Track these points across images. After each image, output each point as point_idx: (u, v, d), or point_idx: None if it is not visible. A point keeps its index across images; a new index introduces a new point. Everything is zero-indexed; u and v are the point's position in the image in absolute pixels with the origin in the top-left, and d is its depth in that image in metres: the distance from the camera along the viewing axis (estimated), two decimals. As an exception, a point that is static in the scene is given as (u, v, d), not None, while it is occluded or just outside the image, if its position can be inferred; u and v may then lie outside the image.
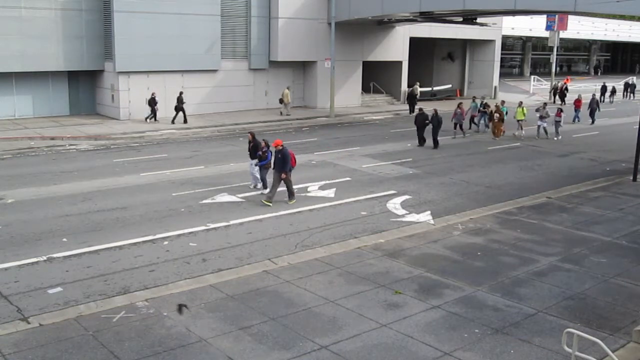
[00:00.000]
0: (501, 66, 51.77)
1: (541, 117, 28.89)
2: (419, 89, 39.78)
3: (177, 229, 14.35)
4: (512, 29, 58.51)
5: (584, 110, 35.35)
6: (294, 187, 17.38)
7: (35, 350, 8.70)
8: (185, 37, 32.01)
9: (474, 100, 31.77)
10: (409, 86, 41.17)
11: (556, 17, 48.71)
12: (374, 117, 36.10)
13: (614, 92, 48.93)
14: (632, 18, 72.86)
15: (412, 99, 37.63)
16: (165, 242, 13.51)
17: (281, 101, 34.29)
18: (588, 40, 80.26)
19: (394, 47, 41.02)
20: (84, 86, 33.07)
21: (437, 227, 14.87)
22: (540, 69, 74.42)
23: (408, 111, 37.03)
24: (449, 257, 12.78)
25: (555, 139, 28.74)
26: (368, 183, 19.50)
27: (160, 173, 20.29)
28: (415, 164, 22.62)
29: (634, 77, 57.65)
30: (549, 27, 51.43)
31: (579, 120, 34.95)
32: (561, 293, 10.98)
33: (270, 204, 16.36)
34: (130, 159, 22.72)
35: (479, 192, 18.77)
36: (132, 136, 27.49)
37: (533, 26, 60.64)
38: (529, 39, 70.89)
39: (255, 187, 18.12)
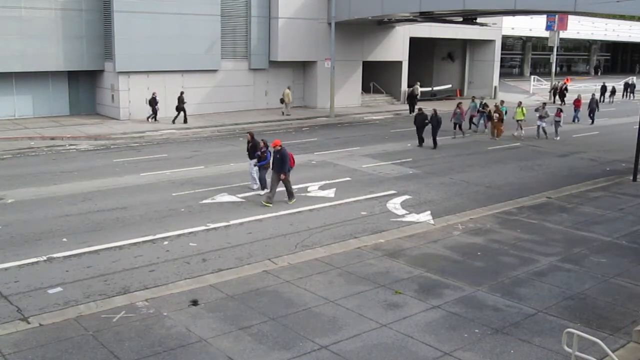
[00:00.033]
0: (501, 66, 51.78)
1: (540, 117, 28.88)
2: (420, 89, 39.78)
3: (177, 229, 14.35)
4: (512, 29, 58.52)
5: (584, 110, 35.36)
6: (294, 187, 17.37)
7: (35, 350, 8.70)
8: (185, 37, 32.01)
9: (473, 100, 31.76)
10: (409, 86, 41.18)
11: (556, 17, 48.74)
12: (374, 117, 36.10)
13: (613, 92, 48.94)
14: (632, 18, 72.87)
15: (412, 99, 37.63)
16: (165, 242, 13.51)
17: (282, 101, 34.30)
18: (588, 40, 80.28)
19: (394, 47, 41.03)
20: (84, 86, 33.08)
21: (437, 227, 14.87)
22: (540, 69, 74.44)
23: (408, 111, 37.04)
24: (449, 257, 12.78)
25: (555, 139, 28.74)
26: (368, 183, 19.50)
27: (160, 173, 20.29)
28: (415, 164, 22.62)
29: (634, 77, 57.66)
30: (549, 27, 51.45)
31: (578, 121, 34.96)
32: (561, 293, 10.98)
33: (271, 205, 16.36)
34: (130, 159, 22.72)
35: (479, 192, 18.77)
36: (132, 136, 27.50)
37: (533, 26, 60.65)
38: (529, 39, 70.91)
39: (252, 187, 18.03)
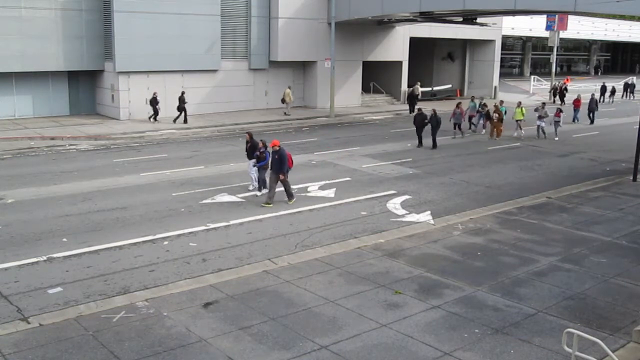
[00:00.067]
0: (501, 66, 51.78)
1: (540, 117, 28.90)
2: (420, 89, 39.79)
3: (177, 229, 14.35)
4: (512, 29, 58.54)
5: (584, 110, 35.36)
6: (294, 187, 17.37)
7: (35, 350, 8.70)
8: (185, 37, 32.01)
9: (472, 100, 31.73)
10: (409, 86, 41.17)
11: (556, 17, 48.74)
12: (374, 117, 36.10)
13: (613, 92, 48.95)
14: (632, 18, 72.89)
15: (412, 99, 37.62)
16: (165, 242, 13.51)
17: (283, 101, 34.30)
18: (588, 40, 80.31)
19: (394, 47, 41.03)
20: (84, 86, 33.07)
21: (437, 227, 14.87)
22: (541, 69, 74.45)
23: (408, 111, 37.03)
24: (449, 257, 12.78)
25: (554, 139, 28.73)
26: (368, 183, 19.50)
27: (160, 173, 20.29)
28: (415, 164, 22.62)
29: (634, 77, 57.67)
30: (549, 27, 51.45)
31: (578, 121, 34.98)
32: (561, 293, 10.98)
33: (271, 205, 16.36)
34: (130, 159, 22.72)
35: (479, 192, 18.77)
36: (132, 136, 27.50)
37: (533, 26, 60.67)
38: (529, 39, 70.93)
39: (256, 188, 17.99)
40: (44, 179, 19.29)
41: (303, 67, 38.27)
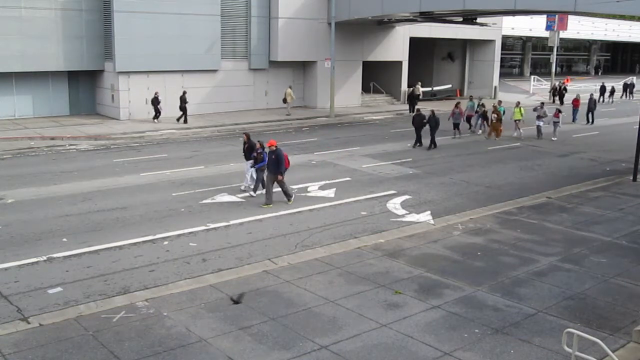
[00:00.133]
0: (501, 66, 51.78)
1: (539, 117, 28.91)
2: (421, 89, 39.79)
3: (177, 229, 14.35)
4: (512, 29, 58.54)
5: (583, 110, 35.36)
6: (294, 187, 17.37)
7: (35, 350, 8.70)
8: (185, 37, 32.01)
9: (471, 100, 31.72)
10: (409, 86, 41.16)
11: (556, 17, 48.75)
12: (374, 117, 36.10)
13: (612, 92, 48.96)
14: (632, 18, 72.90)
15: (412, 99, 37.61)
16: (165, 242, 13.51)
17: (285, 101, 34.30)
18: (588, 40, 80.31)
19: (394, 47, 41.03)
20: (84, 86, 33.08)
21: (437, 227, 14.87)
22: (541, 69, 74.46)
23: (408, 111, 37.02)
24: (449, 257, 12.78)
25: (553, 139, 28.72)
26: (368, 183, 19.50)
27: (160, 173, 20.29)
28: (415, 164, 22.62)
29: (634, 77, 57.68)
30: (549, 27, 51.46)
31: (576, 121, 34.98)
32: (561, 293, 10.98)
33: (270, 205, 16.35)
34: (130, 159, 22.72)
35: (479, 192, 18.77)
36: (132, 136, 27.50)
37: (533, 26, 60.67)
38: (529, 39, 70.94)
39: (248, 188, 17.85)
40: (44, 179, 19.29)
41: (303, 67, 38.27)
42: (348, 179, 19.98)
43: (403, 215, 15.94)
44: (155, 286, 11.11)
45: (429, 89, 44.76)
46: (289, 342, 9.02)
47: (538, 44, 72.29)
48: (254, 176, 17.60)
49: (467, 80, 48.92)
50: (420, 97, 38.75)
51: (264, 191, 16.96)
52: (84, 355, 8.56)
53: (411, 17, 35.80)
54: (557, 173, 21.82)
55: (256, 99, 36.42)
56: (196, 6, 32.20)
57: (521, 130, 29.18)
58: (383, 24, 38.92)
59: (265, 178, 17.04)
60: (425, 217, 15.79)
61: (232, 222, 15.04)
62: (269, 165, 16.47)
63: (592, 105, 35.04)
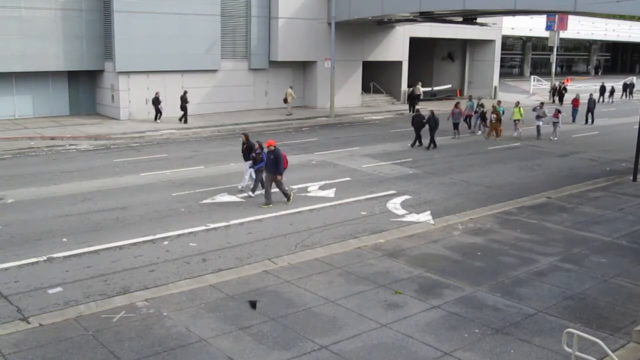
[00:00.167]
0: (501, 66, 51.79)
1: (538, 117, 28.91)
2: (421, 89, 39.78)
3: (177, 229, 14.35)
4: (512, 29, 58.55)
5: (582, 110, 35.35)
6: (294, 187, 17.37)
7: (35, 350, 8.70)
8: (185, 37, 32.01)
9: (470, 99, 31.73)
10: (409, 86, 41.16)
11: (556, 17, 48.76)
12: (374, 117, 36.10)
13: (612, 92, 48.96)
14: (632, 18, 72.90)
15: (413, 99, 37.62)
16: (165, 242, 13.51)
17: (286, 101, 34.29)
18: (588, 40, 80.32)
19: (394, 47, 41.03)
20: (84, 86, 33.08)
21: (437, 227, 14.87)
22: (541, 69, 74.47)
23: (408, 111, 37.03)
24: (449, 257, 12.78)
25: (552, 139, 28.70)
26: (368, 183, 19.50)
27: (160, 173, 20.29)
28: (415, 164, 22.62)
29: (634, 77, 57.68)
30: (549, 27, 51.47)
31: (575, 121, 34.99)
32: (561, 293, 10.98)
33: (271, 205, 16.35)
34: (130, 159, 22.72)
35: (479, 192, 18.77)
36: (132, 136, 27.50)
37: (533, 26, 60.67)
38: (529, 39, 70.94)
39: (246, 188, 17.82)
40: (44, 179, 19.29)
41: (303, 67, 38.27)
42: (348, 179, 19.98)
43: (403, 215, 15.94)
44: (155, 286, 11.11)
45: (429, 89, 44.77)
46: (289, 342, 9.02)
47: (538, 44, 72.29)
48: (253, 176, 17.61)
49: (467, 80, 48.92)
50: (421, 97, 38.76)
51: (263, 191, 16.97)
52: (84, 355, 8.56)
53: (411, 17, 35.80)
54: (557, 173, 21.83)
55: (256, 99, 36.42)
56: (196, 6, 32.20)
57: (520, 130, 29.19)
58: (383, 24, 38.92)
59: (264, 178, 17.03)
60: (425, 217, 15.79)
61: (232, 222, 15.04)
62: (268, 165, 16.45)
63: (591, 105, 35.05)
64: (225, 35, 34.22)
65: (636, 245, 13.82)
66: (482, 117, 29.72)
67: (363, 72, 40.21)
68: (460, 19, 37.73)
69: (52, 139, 26.28)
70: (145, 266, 12.10)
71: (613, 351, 7.90)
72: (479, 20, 37.88)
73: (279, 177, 16.33)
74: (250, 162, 17.59)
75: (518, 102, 30.20)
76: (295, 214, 15.87)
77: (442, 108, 33.96)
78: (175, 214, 15.65)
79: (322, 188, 18.58)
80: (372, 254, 12.86)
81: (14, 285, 11.06)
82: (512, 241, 13.83)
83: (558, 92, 45.19)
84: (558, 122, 28.90)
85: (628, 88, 52.50)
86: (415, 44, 42.35)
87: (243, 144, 18.19)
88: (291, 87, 34.93)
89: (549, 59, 58.07)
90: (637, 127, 19.76)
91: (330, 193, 17.98)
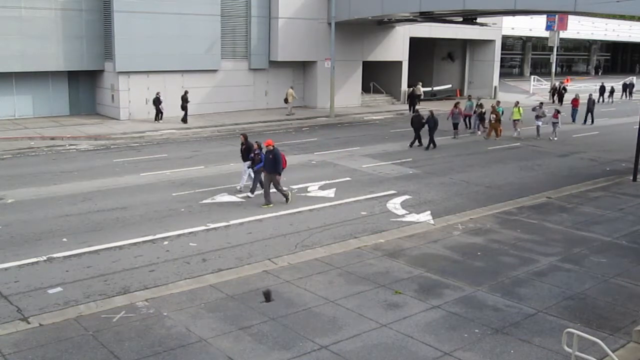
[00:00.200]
0: (501, 66, 51.79)
1: (537, 117, 28.90)
2: (421, 89, 39.78)
3: (177, 229, 14.35)
4: (512, 29, 58.56)
5: (582, 110, 35.36)
6: (293, 186, 17.37)
7: (35, 350, 8.70)
8: (185, 37, 32.01)
9: (469, 99, 31.71)
10: (409, 86, 41.16)
11: (556, 17, 48.77)
12: (374, 117, 36.10)
13: (612, 92, 48.97)
14: (632, 18, 72.92)
15: (413, 99, 37.62)
16: (165, 242, 13.51)
17: (286, 101, 34.30)
18: (588, 40, 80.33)
19: (394, 47, 41.03)
20: (84, 86, 33.08)
21: (437, 227, 14.87)
22: (541, 69, 74.47)
23: (408, 111, 37.01)
24: (449, 257, 12.78)
25: (552, 139, 28.70)
26: (368, 183, 19.50)
27: (160, 173, 20.29)
28: (415, 164, 22.62)
29: (634, 78, 57.69)
30: (549, 27, 51.48)
31: (575, 121, 35.00)
32: (561, 293, 10.98)
33: (271, 205, 16.35)
34: (130, 159, 22.72)
35: (479, 192, 18.77)
36: (132, 136, 27.50)
37: (533, 26, 60.68)
38: (529, 39, 70.95)
39: (245, 188, 17.83)
40: (44, 179, 19.29)
41: (303, 67, 38.27)
42: (348, 179, 19.98)
43: (403, 215, 15.94)
44: (155, 286, 11.11)
45: (429, 89, 44.81)
46: (289, 342, 9.02)
47: (538, 44, 72.30)
48: (252, 176, 17.60)
49: (467, 80, 48.93)
50: (422, 97, 38.76)
51: (262, 192, 16.98)
52: (84, 355, 8.56)
53: (411, 17, 35.80)
54: (557, 173, 21.83)
55: (256, 99, 36.42)
56: (196, 6, 32.21)
57: (519, 130, 29.18)
58: (383, 24, 38.93)
59: (262, 178, 17.02)
60: (425, 217, 15.79)
61: (232, 222, 15.04)
62: (266, 165, 16.43)
63: (590, 105, 35.06)
64: (225, 35, 34.22)
65: (636, 245, 13.81)
66: (481, 117, 29.71)
67: (363, 72, 40.21)
68: (460, 19, 37.74)
69: (52, 139, 26.29)
70: (145, 266, 12.10)
71: (613, 351, 7.90)
72: (479, 20, 37.89)
73: (277, 177, 16.32)
74: (249, 162, 17.59)
75: (517, 102, 30.19)
76: (295, 214, 15.87)
77: (442, 108, 33.96)
78: (175, 214, 15.65)
79: (322, 188, 18.58)
80: (372, 254, 12.86)
81: (14, 285, 11.07)
82: (512, 241, 13.83)
83: (558, 92, 45.19)
84: (557, 123, 28.89)
85: (628, 88, 52.51)
86: (415, 44, 42.35)
87: (242, 144, 18.18)
88: (292, 87, 34.95)
89: (549, 59, 58.08)
90: (637, 127, 19.76)
91: (330, 193, 17.98)
